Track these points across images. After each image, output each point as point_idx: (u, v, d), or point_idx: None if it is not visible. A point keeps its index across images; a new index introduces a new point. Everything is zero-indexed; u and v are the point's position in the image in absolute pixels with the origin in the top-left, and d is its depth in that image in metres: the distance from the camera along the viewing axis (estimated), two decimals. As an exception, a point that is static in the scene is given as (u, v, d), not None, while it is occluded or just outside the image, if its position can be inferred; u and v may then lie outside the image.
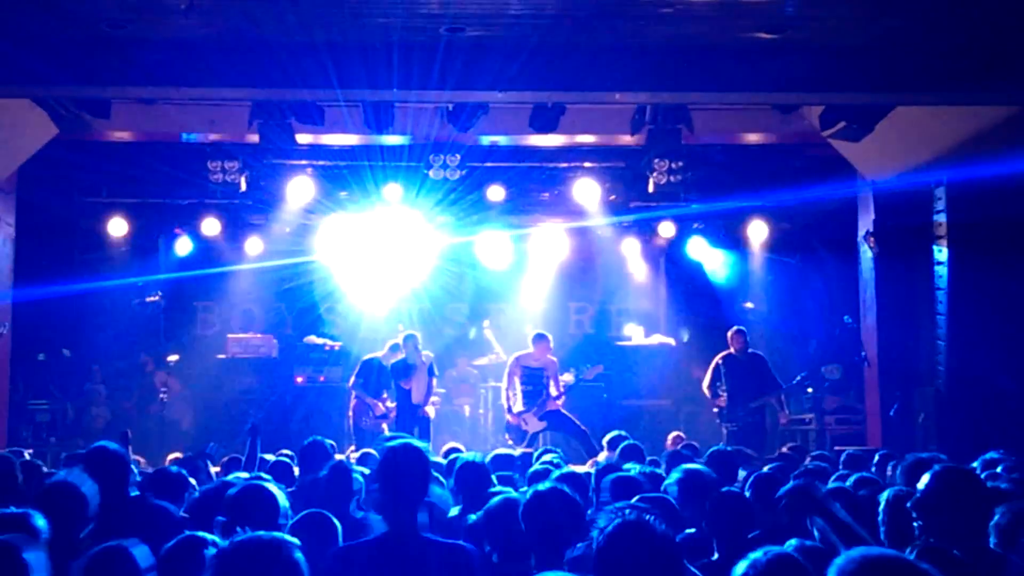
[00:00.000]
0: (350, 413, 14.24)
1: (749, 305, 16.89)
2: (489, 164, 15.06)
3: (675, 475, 6.12)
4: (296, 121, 12.26)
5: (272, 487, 4.90)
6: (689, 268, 17.11)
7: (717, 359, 13.64)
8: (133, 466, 6.91)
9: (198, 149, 14.23)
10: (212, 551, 3.14)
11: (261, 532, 3.19)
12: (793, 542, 4.08)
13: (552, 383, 13.57)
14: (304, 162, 14.97)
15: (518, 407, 13.56)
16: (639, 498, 5.44)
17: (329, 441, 10.10)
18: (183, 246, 16.39)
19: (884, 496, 5.27)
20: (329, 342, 16.20)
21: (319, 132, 12.78)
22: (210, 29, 10.09)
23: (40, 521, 4.42)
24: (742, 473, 7.16)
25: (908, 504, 4.78)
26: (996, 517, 4.73)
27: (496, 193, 15.29)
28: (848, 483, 6.71)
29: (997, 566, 4.39)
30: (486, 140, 13.80)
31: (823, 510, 4.37)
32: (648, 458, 8.62)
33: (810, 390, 15.11)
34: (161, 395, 15.38)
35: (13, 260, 13.73)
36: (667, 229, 16.21)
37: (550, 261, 17.10)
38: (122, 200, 16.09)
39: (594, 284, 17.79)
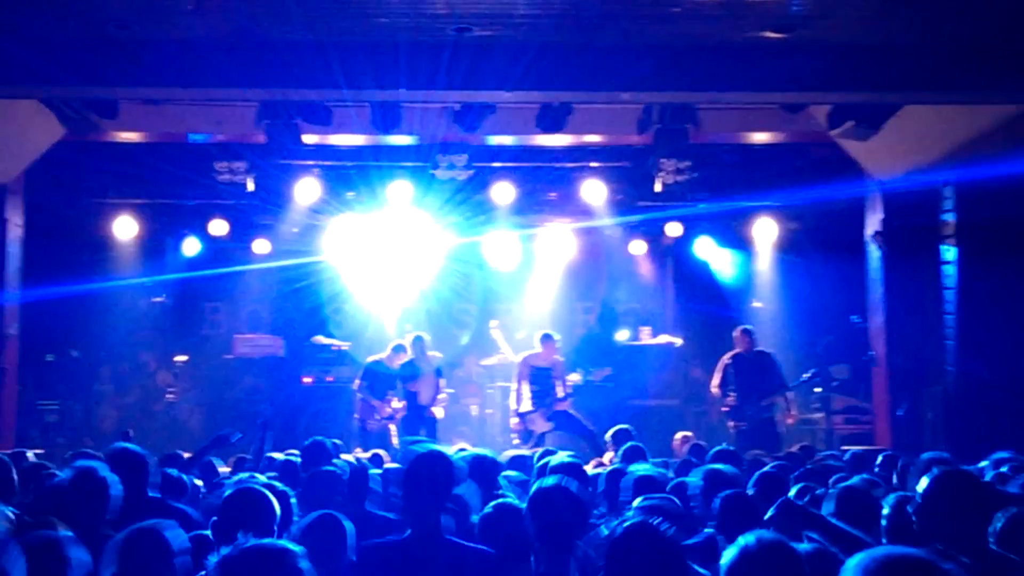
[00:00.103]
0: (356, 415, 14.26)
1: (757, 305, 16.86)
2: (496, 164, 15.06)
3: (696, 475, 6.11)
4: (303, 121, 12.26)
5: (265, 488, 4.86)
6: (696, 268, 17.11)
7: (725, 358, 13.62)
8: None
9: (205, 149, 14.25)
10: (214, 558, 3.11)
11: (266, 540, 3.17)
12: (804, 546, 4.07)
13: (559, 384, 13.57)
14: (311, 162, 14.98)
15: (526, 407, 13.56)
16: (645, 498, 5.42)
17: (335, 441, 10.14)
18: (190, 246, 16.42)
19: (888, 500, 5.26)
20: (336, 342, 16.21)
21: (326, 132, 12.77)
22: (217, 29, 10.09)
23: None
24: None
25: (908, 508, 4.78)
26: (996, 522, 4.72)
27: (503, 193, 15.28)
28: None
29: (998, 569, 4.38)
30: (493, 140, 13.78)
31: (814, 522, 4.36)
32: (651, 460, 8.60)
33: (818, 390, 15.10)
34: (168, 395, 15.40)
35: (21, 261, 13.76)
36: (674, 229, 16.21)
37: (557, 261, 17.10)
38: (129, 201, 16.11)
39: (601, 284, 17.78)
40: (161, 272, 16.60)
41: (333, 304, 17.01)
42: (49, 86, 10.94)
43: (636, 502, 5.46)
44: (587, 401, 14.56)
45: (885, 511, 5.10)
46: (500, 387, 15.81)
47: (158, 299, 16.91)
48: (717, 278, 17.12)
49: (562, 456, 7.94)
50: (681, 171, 13.89)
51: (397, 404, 14.11)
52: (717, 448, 8.42)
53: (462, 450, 9.68)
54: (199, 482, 7.59)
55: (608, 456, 9.99)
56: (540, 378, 13.61)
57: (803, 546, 3.97)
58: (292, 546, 3.13)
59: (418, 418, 13.66)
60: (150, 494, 5.92)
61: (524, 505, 4.83)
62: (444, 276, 16.63)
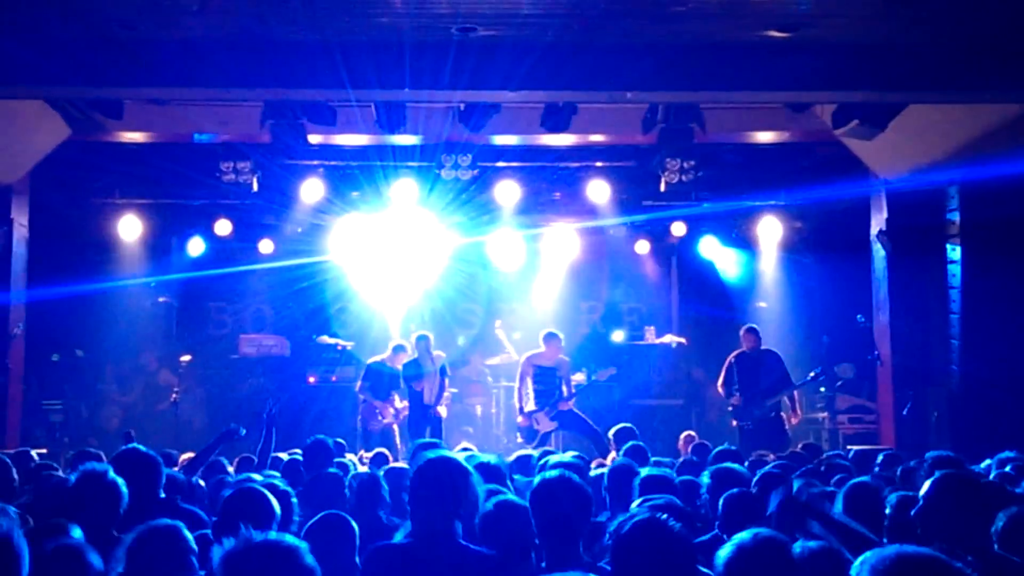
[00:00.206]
0: (359, 417, 14.29)
1: (762, 304, 16.85)
2: (501, 164, 15.06)
3: (707, 474, 6.12)
4: (308, 121, 12.27)
5: (264, 487, 4.86)
6: (701, 267, 17.11)
7: (730, 357, 13.62)
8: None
9: (210, 149, 14.25)
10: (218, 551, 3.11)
11: (272, 534, 3.17)
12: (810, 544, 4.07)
13: (564, 383, 13.57)
14: (316, 162, 14.99)
15: (530, 407, 13.56)
16: (646, 499, 5.42)
17: (338, 440, 10.15)
18: (195, 246, 16.44)
19: (891, 500, 5.27)
20: (341, 342, 16.22)
21: (331, 132, 12.78)
22: (222, 29, 10.10)
23: (76, 532, 4.43)
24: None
25: (912, 512, 4.79)
26: (998, 521, 4.73)
27: (508, 193, 15.28)
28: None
29: (1001, 570, 4.38)
30: (498, 140, 13.79)
31: (817, 514, 4.36)
32: (653, 459, 8.60)
33: (822, 389, 15.10)
34: (173, 395, 15.42)
35: (27, 261, 13.79)
36: (679, 228, 16.22)
37: (561, 261, 17.10)
38: (135, 201, 16.14)
39: (605, 284, 17.78)
40: (166, 272, 16.62)
41: (338, 304, 17.02)
42: (54, 86, 10.96)
43: (635, 503, 5.47)
44: (591, 400, 14.57)
45: (887, 510, 5.11)
46: (505, 387, 15.82)
47: (163, 299, 16.94)
48: (722, 278, 17.12)
49: (562, 456, 7.94)
50: (685, 171, 13.86)
51: (400, 404, 14.14)
52: (719, 448, 8.43)
53: (465, 450, 9.71)
54: (202, 482, 7.58)
55: (611, 456, 9.99)
56: (544, 377, 13.60)
57: (809, 544, 3.97)
58: (297, 542, 3.14)
59: (423, 417, 13.68)
60: (161, 495, 5.93)
61: (525, 502, 4.82)
62: (448, 276, 16.63)
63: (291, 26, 9.91)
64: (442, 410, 13.96)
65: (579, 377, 14.56)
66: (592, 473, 7.57)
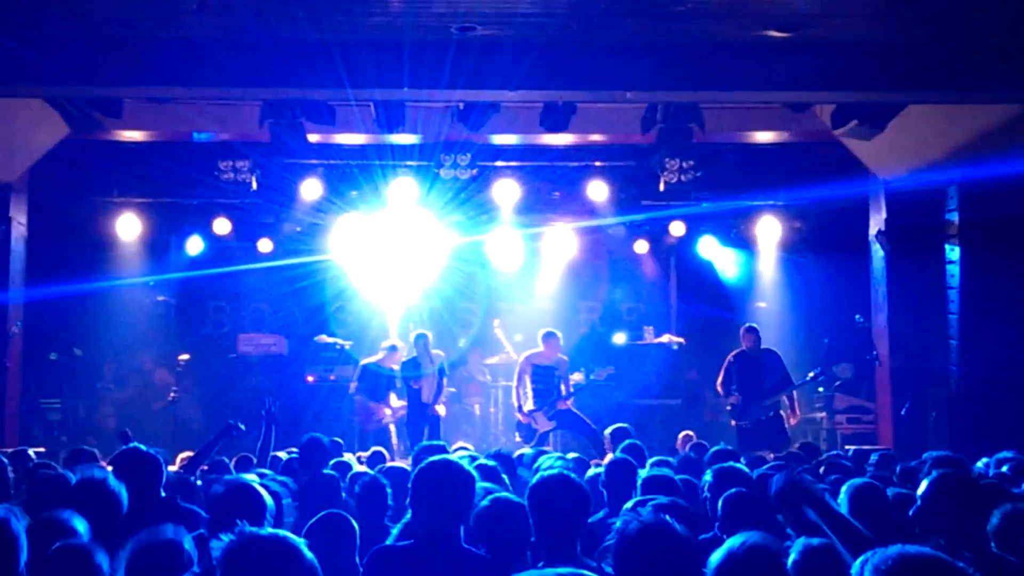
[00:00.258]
0: (356, 418, 14.31)
1: (761, 304, 16.85)
2: (500, 163, 15.07)
3: (709, 474, 6.11)
4: (307, 120, 12.25)
5: (258, 485, 4.85)
6: (700, 267, 17.10)
7: (729, 357, 13.62)
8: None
9: (209, 148, 14.25)
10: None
11: (269, 530, 3.16)
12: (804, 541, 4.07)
13: (562, 382, 13.57)
14: (315, 161, 14.98)
15: (528, 406, 13.56)
16: (643, 500, 5.41)
17: (335, 439, 10.14)
18: (194, 245, 16.42)
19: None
20: (340, 341, 16.23)
21: (330, 131, 12.77)
22: (221, 29, 10.10)
23: (80, 525, 4.43)
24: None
25: (910, 512, 4.79)
26: (992, 518, 4.74)
27: (507, 192, 15.28)
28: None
29: (998, 569, 4.39)
30: (497, 139, 13.79)
31: (816, 501, 4.36)
32: (657, 458, 8.60)
33: (821, 389, 15.10)
34: (172, 394, 15.41)
35: (25, 259, 13.78)
36: (678, 228, 16.20)
37: (561, 260, 17.09)
38: (133, 199, 16.12)
39: (604, 283, 17.78)
40: (165, 271, 16.60)
41: (336, 303, 17.01)
42: (54, 85, 10.96)
43: (632, 502, 5.46)
44: (589, 400, 14.56)
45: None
46: (503, 386, 15.82)
47: (162, 298, 16.93)
48: (720, 278, 17.12)
49: (554, 460, 7.92)
50: (685, 170, 13.87)
51: (396, 403, 14.17)
52: (715, 448, 8.42)
53: (463, 448, 9.72)
54: (199, 482, 7.57)
55: (608, 458, 9.98)
56: (542, 376, 13.60)
57: (807, 543, 3.97)
58: (293, 538, 3.13)
59: (421, 416, 13.69)
60: (161, 494, 5.92)
61: (521, 500, 4.81)
62: (447, 275, 16.61)
63: (290, 25, 9.91)
64: (440, 409, 13.97)
65: (578, 377, 14.56)
66: (589, 473, 7.56)
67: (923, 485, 4.88)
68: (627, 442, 9.00)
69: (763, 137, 13.90)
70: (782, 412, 13.23)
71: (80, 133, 12.81)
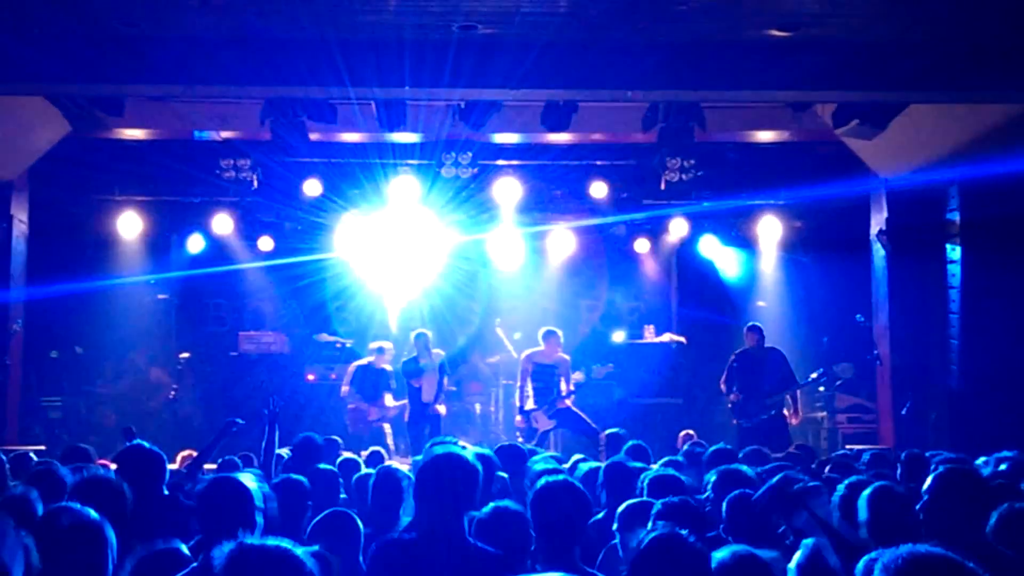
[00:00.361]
0: (346, 419, 14.34)
1: (762, 304, 16.86)
2: (501, 162, 15.06)
3: (712, 475, 6.11)
4: (308, 119, 12.26)
5: (245, 479, 4.83)
6: (700, 266, 17.09)
7: (733, 355, 13.62)
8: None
9: (210, 147, 14.25)
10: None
11: (270, 539, 3.15)
12: (809, 541, 4.08)
13: (563, 381, 13.56)
14: (316, 160, 14.97)
15: (529, 405, 13.56)
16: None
17: (333, 437, 10.15)
18: (195, 244, 16.42)
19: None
20: (340, 339, 16.22)
21: (331, 130, 12.78)
22: (223, 27, 10.10)
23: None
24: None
25: (917, 507, 4.79)
26: (992, 519, 4.75)
27: (508, 191, 15.27)
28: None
29: (997, 566, 4.39)
30: (498, 138, 13.79)
31: (804, 506, 4.36)
32: (667, 458, 8.59)
33: (822, 389, 15.10)
34: (172, 392, 15.40)
35: (26, 257, 13.79)
36: (678, 227, 16.19)
37: (561, 259, 17.09)
38: (134, 198, 16.11)
39: (605, 282, 17.78)
40: (166, 269, 16.60)
41: (337, 301, 17.02)
42: (55, 83, 10.97)
43: (634, 501, 5.45)
44: (590, 399, 14.57)
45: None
46: (504, 385, 15.82)
47: (163, 296, 16.93)
48: (721, 277, 17.11)
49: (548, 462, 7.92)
50: (686, 169, 13.85)
51: (390, 403, 14.22)
52: (714, 447, 8.41)
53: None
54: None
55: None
56: (543, 375, 13.59)
57: (808, 541, 3.98)
58: (294, 547, 3.11)
59: (422, 415, 13.71)
60: (164, 492, 5.92)
61: (520, 507, 4.81)
62: (448, 274, 16.61)
63: (292, 24, 9.92)
64: (441, 408, 13.98)
65: (578, 376, 14.55)
66: (583, 468, 7.55)
67: (928, 481, 4.88)
68: (631, 443, 8.99)
69: (764, 136, 13.91)
70: (785, 411, 13.23)
71: (81, 131, 12.82)
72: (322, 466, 7.25)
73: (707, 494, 5.98)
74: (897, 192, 13.43)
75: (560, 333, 13.80)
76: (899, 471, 7.75)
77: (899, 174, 13.22)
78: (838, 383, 15.04)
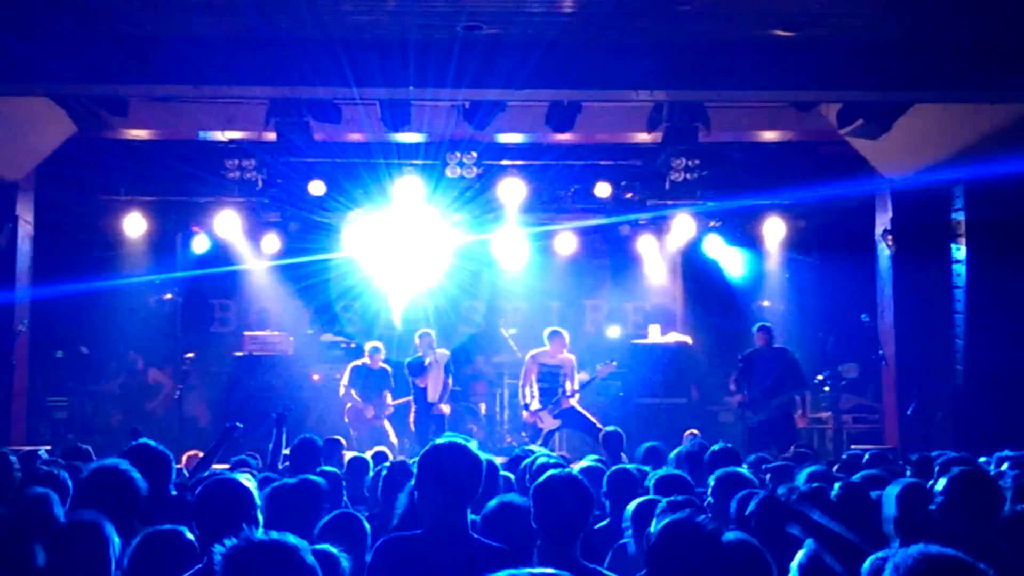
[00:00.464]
0: (346, 419, 14.36)
1: (766, 303, 16.85)
2: (505, 162, 15.06)
3: (712, 477, 6.11)
4: (313, 119, 12.28)
5: (245, 479, 4.84)
6: (705, 266, 17.08)
7: (742, 355, 13.61)
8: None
9: (215, 147, 14.28)
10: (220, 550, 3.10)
11: (272, 533, 3.15)
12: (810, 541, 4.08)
13: (568, 381, 13.56)
14: (321, 160, 14.98)
15: (535, 405, 13.56)
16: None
17: (336, 437, 10.16)
18: (200, 244, 16.43)
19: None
20: (345, 340, 16.23)
21: (336, 130, 12.79)
22: (227, 27, 10.11)
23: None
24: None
25: (931, 507, 4.80)
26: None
27: (512, 191, 15.26)
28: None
29: (1005, 567, 4.39)
30: (502, 138, 13.79)
31: (796, 516, 4.36)
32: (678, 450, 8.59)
33: (827, 389, 15.08)
34: (176, 393, 15.42)
35: (31, 258, 13.81)
36: (683, 227, 16.16)
37: (566, 259, 17.09)
38: (140, 198, 16.12)
39: (609, 282, 17.78)
40: (170, 269, 16.63)
41: (342, 301, 17.05)
42: (60, 83, 10.97)
43: (640, 500, 5.46)
44: (595, 399, 14.57)
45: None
46: (509, 385, 15.82)
47: (168, 296, 16.96)
48: (726, 276, 17.09)
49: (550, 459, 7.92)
50: (690, 169, 13.87)
51: (390, 401, 14.26)
52: (715, 447, 8.40)
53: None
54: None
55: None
56: (548, 375, 13.60)
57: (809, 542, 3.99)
58: (298, 541, 3.12)
59: (427, 415, 13.73)
60: (172, 492, 5.92)
61: (527, 500, 4.79)
62: (452, 274, 16.63)
63: (296, 24, 9.92)
64: (445, 408, 13.99)
65: (583, 376, 14.55)
66: (580, 465, 7.54)
67: (941, 483, 4.89)
68: (647, 445, 8.97)
69: (769, 136, 13.89)
70: (794, 412, 13.21)
71: (87, 131, 12.84)
72: (326, 468, 7.25)
73: (708, 500, 5.98)
74: (902, 192, 13.41)
75: (565, 334, 13.78)
76: (908, 472, 7.74)
77: (904, 174, 13.20)
78: (843, 383, 15.03)
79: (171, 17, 9.84)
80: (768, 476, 7.42)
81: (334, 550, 3.72)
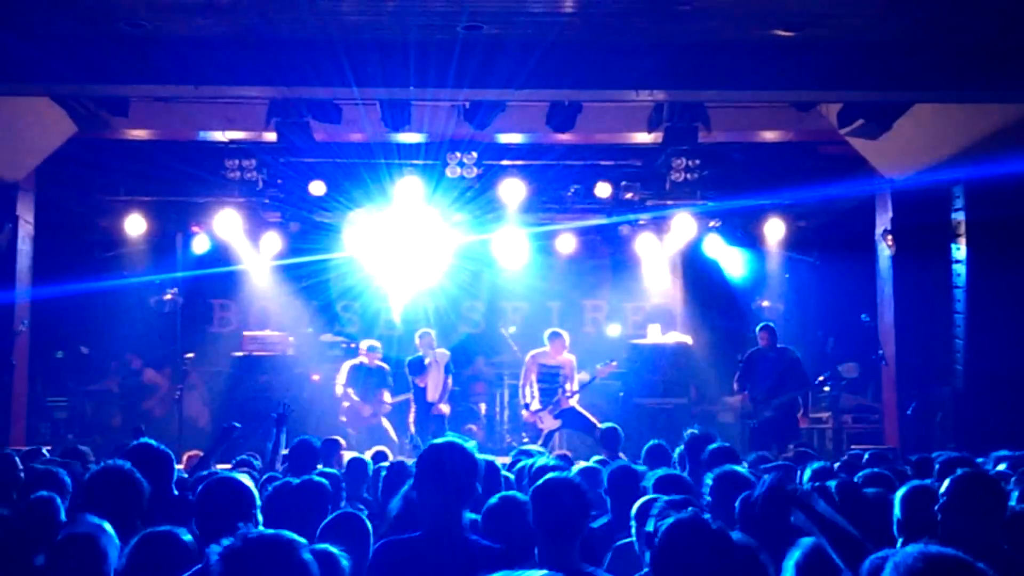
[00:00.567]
0: (343, 418, 14.36)
1: (766, 303, 16.84)
2: (505, 162, 15.06)
3: (710, 476, 6.10)
4: (313, 119, 12.27)
5: (244, 478, 4.83)
6: (705, 266, 17.07)
7: (745, 354, 13.61)
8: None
9: (215, 147, 14.29)
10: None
11: (269, 530, 3.15)
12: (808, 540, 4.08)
13: (568, 381, 13.57)
14: (321, 160, 14.99)
15: (535, 405, 13.56)
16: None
17: (335, 437, 10.16)
18: (200, 244, 16.43)
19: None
20: (345, 339, 16.23)
21: (336, 130, 12.78)
22: (228, 27, 10.11)
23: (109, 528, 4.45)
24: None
25: (935, 508, 4.81)
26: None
27: (512, 191, 15.27)
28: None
29: (1007, 568, 4.40)
30: (503, 138, 13.79)
31: (801, 505, 4.36)
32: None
33: (827, 389, 15.07)
34: (175, 393, 15.42)
35: (32, 258, 13.81)
36: (684, 227, 16.16)
37: (566, 259, 17.09)
38: (140, 198, 16.11)
39: (609, 282, 17.78)
40: (171, 269, 16.61)
41: (342, 301, 17.05)
42: (61, 84, 10.98)
43: (643, 500, 5.45)
44: (596, 399, 14.56)
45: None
46: (509, 385, 15.82)
47: (168, 296, 16.95)
48: (726, 276, 17.09)
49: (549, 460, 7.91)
50: (691, 169, 13.87)
51: (388, 399, 14.26)
52: (712, 446, 8.38)
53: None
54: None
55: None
56: (548, 376, 13.61)
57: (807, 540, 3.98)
58: (295, 537, 3.11)
59: (427, 414, 13.73)
60: (174, 492, 5.91)
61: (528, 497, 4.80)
62: (452, 273, 16.63)
63: (296, 24, 9.93)
64: (445, 408, 13.99)
65: (583, 376, 14.55)
66: (578, 466, 7.53)
67: (945, 483, 4.89)
68: (651, 443, 8.97)
69: (769, 136, 13.90)
70: (797, 412, 13.21)
71: (87, 132, 12.84)
72: (324, 470, 7.24)
73: (706, 499, 5.97)
74: (902, 192, 13.41)
75: (566, 335, 13.79)
76: (909, 472, 7.74)
77: (904, 174, 13.20)
78: (843, 383, 15.02)
79: (171, 17, 9.85)
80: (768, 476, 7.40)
81: (335, 549, 3.71)
